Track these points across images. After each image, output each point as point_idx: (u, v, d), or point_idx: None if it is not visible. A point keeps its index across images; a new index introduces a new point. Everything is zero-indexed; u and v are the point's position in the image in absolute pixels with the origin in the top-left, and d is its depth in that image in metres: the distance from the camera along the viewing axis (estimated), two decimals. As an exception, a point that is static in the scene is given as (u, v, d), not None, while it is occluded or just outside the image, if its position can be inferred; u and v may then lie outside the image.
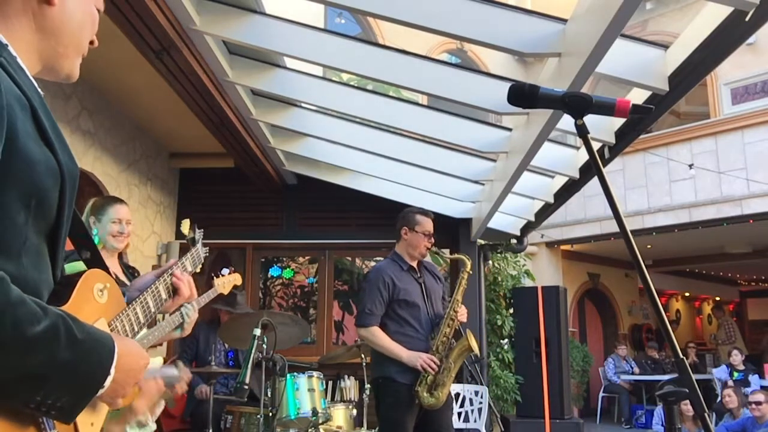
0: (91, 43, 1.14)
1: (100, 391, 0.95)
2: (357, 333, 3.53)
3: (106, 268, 1.18)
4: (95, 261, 1.21)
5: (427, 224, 3.49)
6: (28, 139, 0.93)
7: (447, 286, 3.77)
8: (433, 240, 3.51)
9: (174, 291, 1.45)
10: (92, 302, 1.10)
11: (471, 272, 3.59)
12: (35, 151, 0.94)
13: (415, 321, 3.37)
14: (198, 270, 1.61)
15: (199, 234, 1.75)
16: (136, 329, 1.24)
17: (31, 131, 0.94)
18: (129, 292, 1.34)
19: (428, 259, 3.79)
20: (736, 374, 9.07)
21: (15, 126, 0.90)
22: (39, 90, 1.02)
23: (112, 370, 0.96)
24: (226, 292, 3.47)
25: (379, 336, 3.34)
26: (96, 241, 2.90)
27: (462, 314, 3.37)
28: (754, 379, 8.85)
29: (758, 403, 5.78)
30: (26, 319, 0.84)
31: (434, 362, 3.25)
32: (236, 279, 3.49)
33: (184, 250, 6.17)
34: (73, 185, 1.03)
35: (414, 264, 3.51)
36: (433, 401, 3.25)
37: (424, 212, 3.56)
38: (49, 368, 0.87)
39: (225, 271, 3.40)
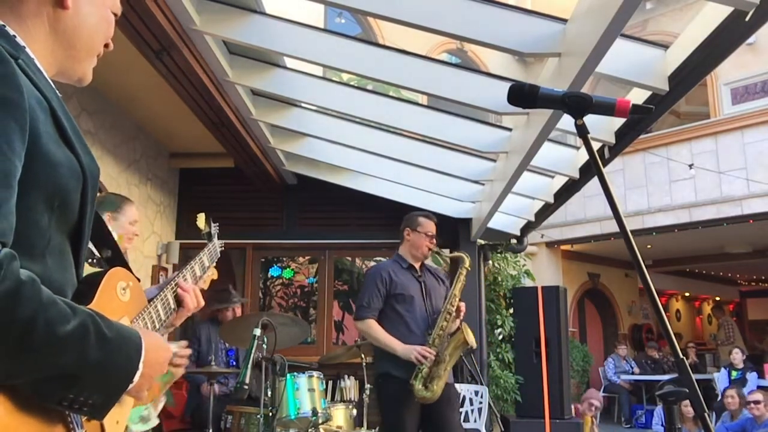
0: (106, 46, 1.14)
1: (130, 386, 0.96)
2: (355, 326, 3.59)
3: (128, 266, 1.18)
4: (116, 259, 1.21)
5: (429, 225, 3.60)
6: (49, 141, 0.93)
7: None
8: (434, 241, 3.60)
9: (178, 303, 1.38)
10: (115, 300, 1.11)
11: (470, 269, 3.67)
12: (57, 153, 0.95)
13: (412, 317, 3.42)
14: (214, 264, 1.60)
15: (215, 228, 1.74)
16: (157, 326, 1.25)
17: (52, 133, 0.95)
18: None
19: (429, 261, 3.85)
20: (735, 373, 9.09)
21: (37, 129, 0.91)
22: (57, 91, 1.02)
23: (141, 365, 0.97)
24: (205, 287, 3.46)
25: (374, 328, 3.40)
26: None
27: (462, 309, 3.44)
28: (752, 377, 8.85)
29: (757, 402, 5.79)
30: (57, 320, 0.85)
31: (429, 353, 3.27)
32: (212, 273, 3.46)
33: (185, 250, 6.13)
34: (94, 185, 1.03)
35: (416, 265, 3.59)
36: (429, 395, 3.27)
37: (426, 215, 3.68)
38: (81, 367, 0.88)
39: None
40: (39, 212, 0.92)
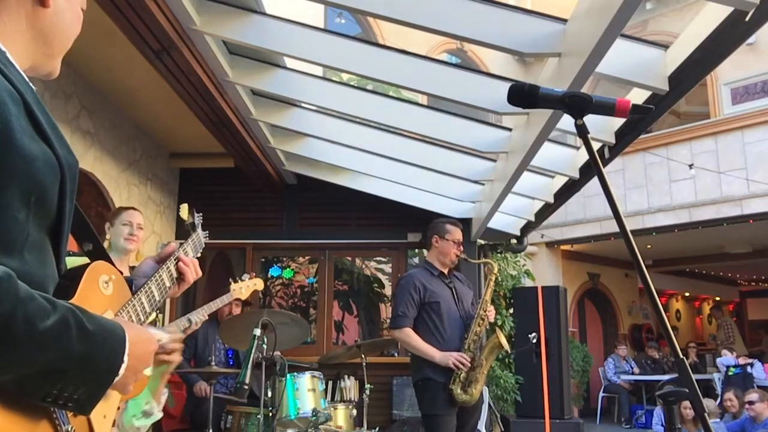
0: None
1: (115, 380, 0.95)
2: (391, 335, 3.68)
3: (109, 260, 1.18)
4: (98, 253, 1.20)
5: (457, 233, 3.69)
6: (23, 135, 0.92)
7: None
8: (462, 248, 3.70)
9: (179, 276, 1.42)
10: (98, 294, 1.10)
11: (498, 275, 3.74)
12: (32, 147, 0.93)
13: (447, 323, 3.52)
14: (199, 255, 1.58)
15: (198, 218, 1.71)
16: (142, 319, 1.24)
17: (26, 126, 0.93)
18: (136, 280, 1.33)
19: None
20: (732, 370, 9.11)
21: (9, 122, 0.89)
22: (31, 84, 1.01)
23: (126, 358, 0.96)
24: (243, 297, 3.46)
25: (412, 337, 3.49)
26: (107, 246, 2.96)
27: (491, 314, 3.56)
28: (758, 366, 8.89)
29: (751, 403, 5.79)
30: (36, 315, 0.83)
31: (465, 359, 3.39)
32: (257, 284, 3.45)
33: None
34: (73, 179, 1.02)
35: (444, 270, 3.69)
36: (467, 398, 3.40)
37: (453, 222, 3.77)
38: (64, 362, 0.87)
39: (245, 276, 3.40)
40: (16, 208, 0.91)
